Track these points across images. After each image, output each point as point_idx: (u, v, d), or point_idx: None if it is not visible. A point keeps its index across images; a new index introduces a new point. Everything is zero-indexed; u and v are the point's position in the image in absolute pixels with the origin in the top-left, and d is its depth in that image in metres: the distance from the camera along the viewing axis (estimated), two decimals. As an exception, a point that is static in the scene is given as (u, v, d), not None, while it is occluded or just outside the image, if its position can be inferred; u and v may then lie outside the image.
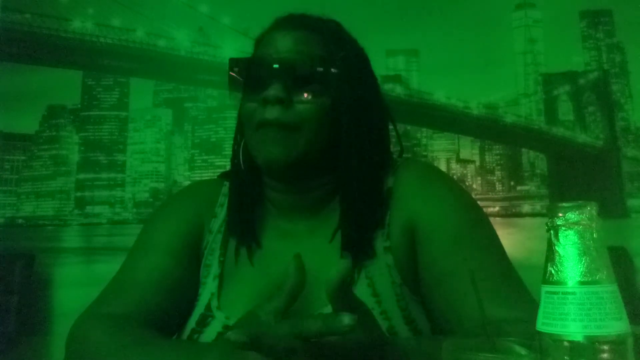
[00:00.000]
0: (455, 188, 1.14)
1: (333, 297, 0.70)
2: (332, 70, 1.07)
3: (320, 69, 1.06)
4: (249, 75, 1.10)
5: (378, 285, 1.05)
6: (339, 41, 1.12)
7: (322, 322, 0.68)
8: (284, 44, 1.08)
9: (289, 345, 0.69)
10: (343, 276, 0.70)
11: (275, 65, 1.05)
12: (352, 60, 1.12)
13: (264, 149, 1.05)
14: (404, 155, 1.22)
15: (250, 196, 1.14)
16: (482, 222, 1.09)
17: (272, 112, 1.04)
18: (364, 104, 1.11)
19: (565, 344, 0.56)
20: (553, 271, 0.59)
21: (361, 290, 1.04)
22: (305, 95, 1.05)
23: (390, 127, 1.19)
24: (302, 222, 1.14)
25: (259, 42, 1.14)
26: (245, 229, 1.13)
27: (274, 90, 1.03)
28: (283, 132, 1.04)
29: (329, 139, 1.08)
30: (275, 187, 1.14)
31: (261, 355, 0.70)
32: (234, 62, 1.11)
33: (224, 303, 1.09)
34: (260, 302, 0.83)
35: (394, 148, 1.20)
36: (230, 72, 1.10)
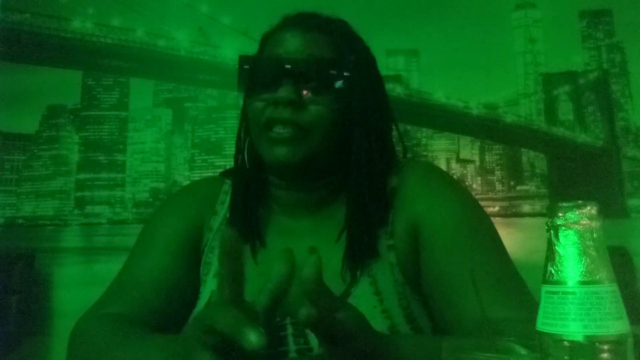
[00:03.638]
0: (458, 189, 1.14)
1: (312, 296, 0.67)
2: (344, 73, 1.07)
3: (333, 72, 1.06)
4: (259, 73, 1.09)
5: (380, 284, 1.05)
6: (350, 43, 1.12)
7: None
8: (296, 44, 1.07)
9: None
10: (318, 272, 0.67)
11: (288, 66, 1.04)
12: (363, 62, 1.13)
13: (272, 149, 1.05)
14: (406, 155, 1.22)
15: (253, 194, 1.14)
16: (484, 223, 1.09)
17: (283, 113, 1.03)
18: (372, 105, 1.11)
19: (565, 344, 0.56)
20: (553, 271, 0.59)
21: (363, 289, 1.04)
22: (317, 97, 1.05)
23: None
24: (305, 220, 1.14)
25: (266, 40, 1.14)
26: (248, 226, 1.13)
27: (285, 92, 1.03)
28: (293, 133, 1.04)
29: (338, 140, 1.08)
30: (279, 185, 1.13)
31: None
32: (244, 59, 1.11)
33: None
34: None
35: (396, 148, 1.20)
36: (240, 69, 1.10)
